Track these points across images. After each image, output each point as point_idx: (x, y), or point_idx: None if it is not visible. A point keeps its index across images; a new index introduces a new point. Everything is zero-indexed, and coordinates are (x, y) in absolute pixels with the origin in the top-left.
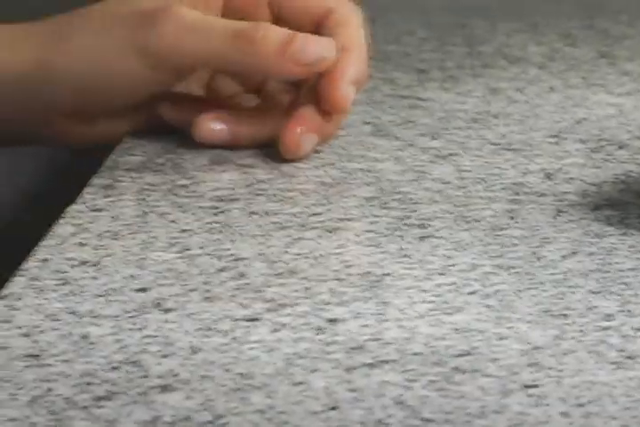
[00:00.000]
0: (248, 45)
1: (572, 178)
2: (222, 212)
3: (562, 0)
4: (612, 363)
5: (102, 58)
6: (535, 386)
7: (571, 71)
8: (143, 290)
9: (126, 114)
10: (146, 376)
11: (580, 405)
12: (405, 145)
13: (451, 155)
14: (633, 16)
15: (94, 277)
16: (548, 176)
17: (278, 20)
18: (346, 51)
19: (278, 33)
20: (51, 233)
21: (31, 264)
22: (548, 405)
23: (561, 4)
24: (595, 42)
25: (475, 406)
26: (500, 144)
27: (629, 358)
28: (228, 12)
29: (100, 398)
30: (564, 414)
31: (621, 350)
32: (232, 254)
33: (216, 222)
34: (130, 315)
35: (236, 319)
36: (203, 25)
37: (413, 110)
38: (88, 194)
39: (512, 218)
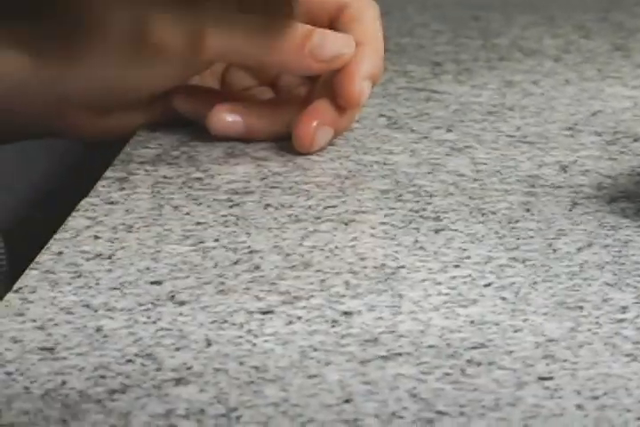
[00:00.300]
0: (266, 40)
1: (587, 170)
2: (237, 204)
3: None
4: (627, 355)
5: (119, 61)
6: (550, 378)
7: (586, 64)
8: (157, 283)
9: (141, 106)
10: (160, 369)
11: (595, 397)
12: (420, 137)
13: (466, 147)
14: None
15: (108, 271)
16: (564, 168)
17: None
18: (361, 45)
19: (297, 27)
20: (65, 226)
21: (45, 257)
22: (562, 397)
23: None
24: (609, 34)
25: (489, 399)
26: (515, 137)
27: None
28: (244, 10)
29: (113, 392)
30: (579, 407)
31: (637, 343)
32: (247, 247)
33: (231, 215)
34: (144, 308)
35: (251, 312)
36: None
37: (428, 103)
38: (102, 187)
39: (527, 210)
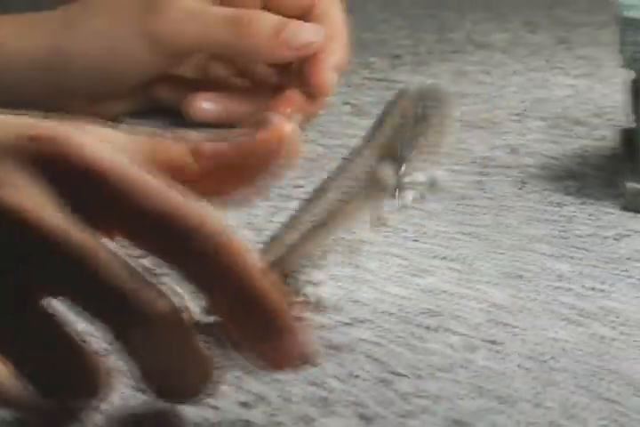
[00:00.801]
0: (244, 29)
1: (534, 152)
2: None
3: None
4: (564, 319)
5: (110, 42)
6: (496, 342)
7: (532, 56)
8: None
9: (128, 95)
10: None
11: (537, 358)
12: None
13: None
14: (589, 5)
15: None
16: (513, 150)
17: (268, 10)
18: (328, 39)
19: (272, 18)
20: None
21: None
22: (506, 359)
23: None
24: (554, 29)
25: (441, 361)
26: (468, 122)
27: (580, 315)
28: (223, 3)
29: None
30: (522, 367)
31: (572, 308)
32: None
33: None
34: None
35: None
36: (202, 11)
37: (388, 91)
38: None
39: (479, 189)
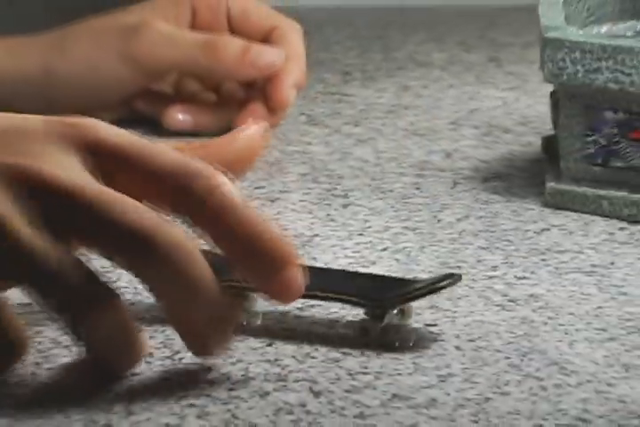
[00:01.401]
0: (214, 52)
1: (466, 156)
2: None
3: (459, 15)
4: (497, 305)
5: (95, 63)
6: (434, 325)
7: (466, 72)
8: None
9: (112, 107)
10: None
11: (471, 340)
12: (333, 131)
13: (370, 139)
14: (516, 27)
15: None
16: (448, 155)
17: (234, 34)
18: (288, 60)
19: (238, 42)
20: None
21: None
22: (444, 340)
23: (459, 18)
24: (485, 49)
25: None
26: (409, 130)
27: (511, 301)
28: (195, 28)
29: None
30: (459, 348)
31: (505, 295)
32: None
33: None
34: None
35: None
36: (176, 36)
37: (340, 104)
38: None
39: (418, 188)
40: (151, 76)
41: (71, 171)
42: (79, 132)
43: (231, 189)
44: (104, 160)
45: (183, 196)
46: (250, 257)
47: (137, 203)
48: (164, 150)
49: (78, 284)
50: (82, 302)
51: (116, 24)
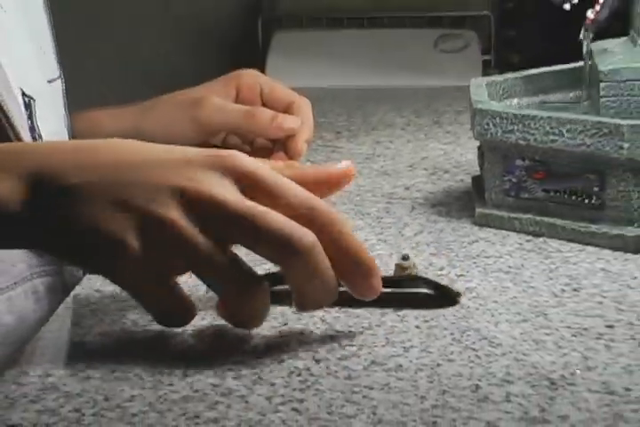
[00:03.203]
0: (252, 119)
1: (420, 189)
2: None
3: (414, 92)
4: None
5: (171, 124)
6: (401, 309)
7: (418, 131)
8: None
9: None
10: None
11: (426, 321)
12: None
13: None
14: (452, 99)
15: None
16: (407, 188)
17: (265, 106)
18: (302, 124)
19: (269, 112)
20: None
21: None
22: (408, 321)
23: (413, 94)
24: (431, 115)
25: (363, 322)
26: (380, 171)
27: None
28: (238, 101)
29: None
30: (417, 327)
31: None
32: None
33: None
34: None
35: None
36: (226, 107)
37: (333, 153)
38: None
39: (387, 212)
40: (208, 134)
41: (229, 191)
42: (226, 161)
43: (347, 226)
44: (245, 184)
45: (307, 221)
46: (351, 269)
47: (279, 214)
48: (291, 182)
49: (230, 273)
50: (235, 284)
51: (185, 98)
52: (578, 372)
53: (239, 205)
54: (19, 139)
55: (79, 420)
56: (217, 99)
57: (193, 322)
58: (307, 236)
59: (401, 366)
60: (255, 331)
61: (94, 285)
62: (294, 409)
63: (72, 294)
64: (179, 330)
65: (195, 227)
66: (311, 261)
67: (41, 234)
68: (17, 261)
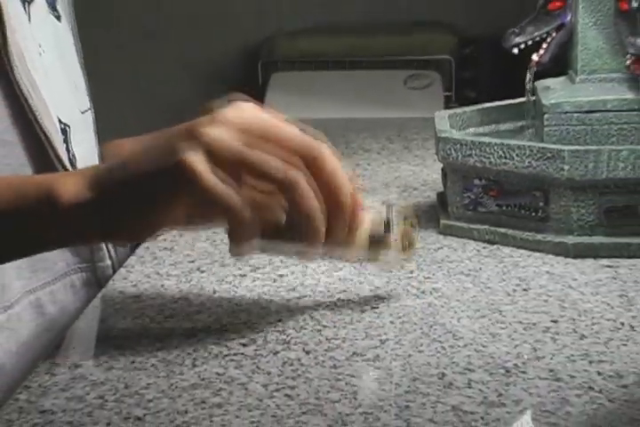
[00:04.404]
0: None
1: (393, 204)
2: None
3: (387, 122)
4: (414, 295)
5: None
6: (377, 308)
7: (391, 155)
8: None
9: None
10: None
11: (399, 317)
12: None
13: None
14: (419, 128)
15: None
16: (382, 203)
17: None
18: None
19: None
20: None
21: None
22: (384, 319)
23: (386, 124)
24: (402, 141)
25: (342, 318)
26: (360, 188)
27: (422, 292)
28: None
29: None
30: (392, 323)
31: (418, 289)
32: None
33: None
34: None
35: None
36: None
37: None
38: None
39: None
40: None
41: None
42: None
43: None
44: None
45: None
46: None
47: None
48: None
49: (245, 212)
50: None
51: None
52: (525, 357)
53: (247, 152)
54: (57, 156)
55: (102, 405)
56: None
57: (202, 319)
58: (290, 170)
59: (378, 356)
60: (254, 328)
61: (118, 287)
62: (287, 395)
63: (100, 294)
64: (189, 327)
65: (212, 175)
66: (298, 190)
67: (106, 213)
68: (58, 259)
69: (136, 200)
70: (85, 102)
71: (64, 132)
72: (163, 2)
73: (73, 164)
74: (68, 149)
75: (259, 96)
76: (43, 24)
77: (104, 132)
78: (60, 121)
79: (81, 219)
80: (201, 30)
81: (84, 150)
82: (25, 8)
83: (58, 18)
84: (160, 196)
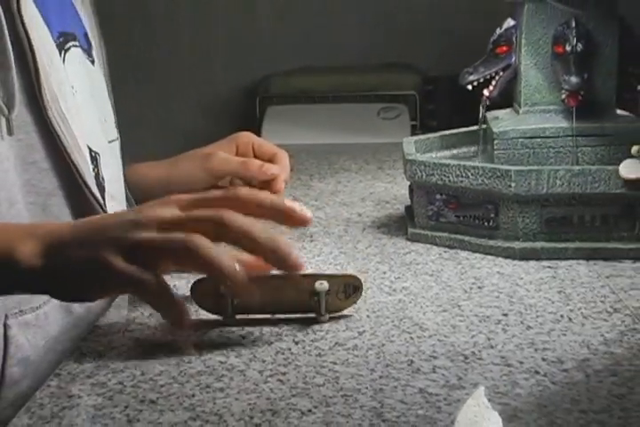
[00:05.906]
0: (247, 167)
1: (369, 215)
2: None
3: (364, 147)
4: (386, 293)
5: (192, 172)
6: (358, 309)
7: (367, 174)
8: None
9: (198, 191)
10: None
11: (374, 312)
12: (304, 203)
13: (322, 207)
14: (389, 152)
15: None
16: (359, 215)
17: (256, 157)
18: (281, 170)
19: (258, 162)
20: None
21: None
22: (360, 312)
23: (363, 148)
24: (376, 163)
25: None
26: (341, 203)
27: (393, 290)
28: (237, 154)
29: None
30: (369, 317)
31: (390, 287)
32: None
33: None
34: None
35: None
36: (229, 159)
37: (308, 190)
38: None
39: (346, 232)
40: (217, 179)
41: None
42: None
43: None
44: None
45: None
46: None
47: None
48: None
49: (158, 291)
50: (155, 296)
51: (200, 154)
52: (480, 345)
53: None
54: (84, 182)
55: (122, 390)
56: (223, 153)
57: (207, 315)
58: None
59: (356, 346)
60: (251, 323)
61: None
62: (279, 380)
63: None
64: (196, 321)
65: (124, 261)
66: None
67: (52, 279)
68: None
69: (73, 277)
70: (113, 133)
71: (94, 158)
72: (179, 50)
73: (102, 184)
74: (97, 173)
75: (257, 126)
76: (77, 68)
77: (128, 157)
78: (90, 149)
79: (34, 281)
80: (211, 72)
81: (112, 173)
82: (61, 55)
83: (92, 62)
84: (89, 278)
